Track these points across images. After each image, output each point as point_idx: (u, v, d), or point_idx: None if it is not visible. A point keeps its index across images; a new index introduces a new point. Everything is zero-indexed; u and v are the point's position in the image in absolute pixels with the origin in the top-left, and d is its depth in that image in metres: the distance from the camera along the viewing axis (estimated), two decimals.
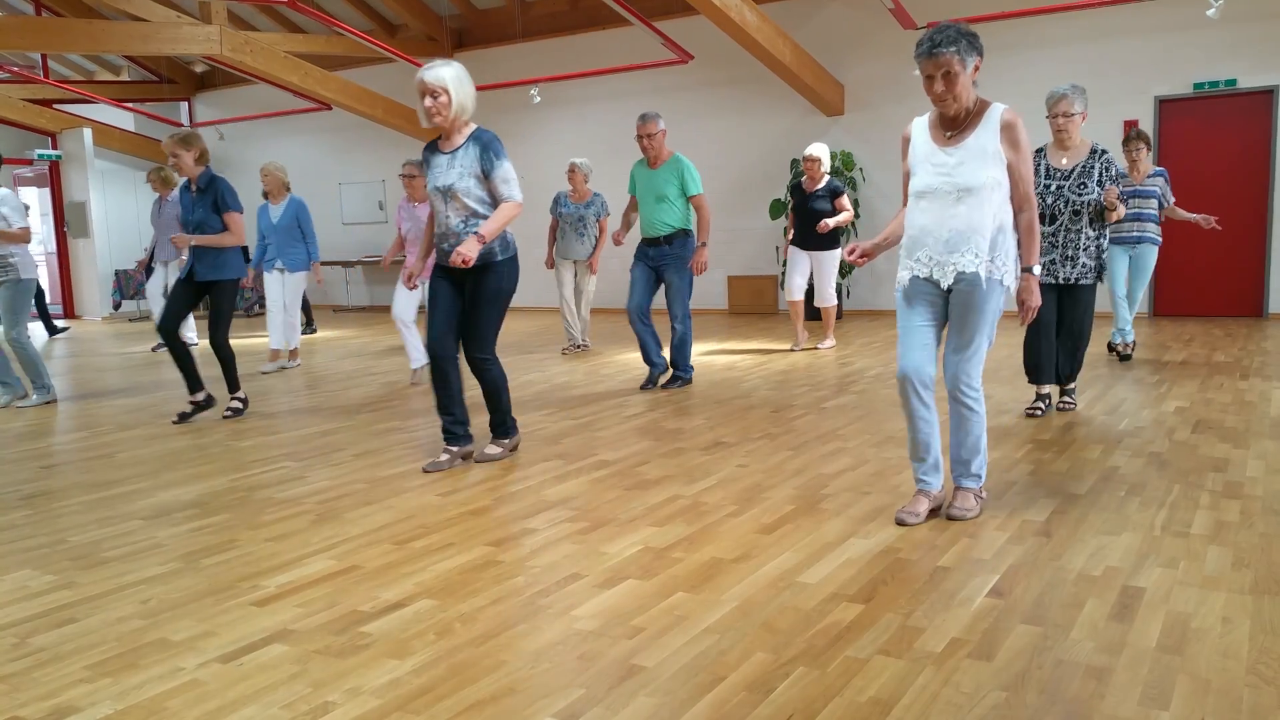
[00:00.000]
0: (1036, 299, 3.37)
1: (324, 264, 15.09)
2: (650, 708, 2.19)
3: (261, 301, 14.53)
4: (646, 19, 10.77)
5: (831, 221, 7.62)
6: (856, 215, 11.06)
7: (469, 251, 4.15)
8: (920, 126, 3.45)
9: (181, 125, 16.81)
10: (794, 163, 11.25)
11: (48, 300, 16.60)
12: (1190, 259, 9.81)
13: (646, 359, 6.48)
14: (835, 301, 8.22)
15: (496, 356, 4.57)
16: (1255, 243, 9.54)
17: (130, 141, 15.88)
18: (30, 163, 15.71)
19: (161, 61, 16.16)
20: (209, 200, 5.73)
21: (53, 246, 15.84)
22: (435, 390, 4.52)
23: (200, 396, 5.94)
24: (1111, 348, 7.12)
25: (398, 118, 13.61)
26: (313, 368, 8.33)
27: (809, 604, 2.76)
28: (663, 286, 6.46)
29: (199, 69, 16.51)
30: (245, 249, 8.20)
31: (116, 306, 15.06)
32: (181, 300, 5.80)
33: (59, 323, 13.34)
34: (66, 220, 15.43)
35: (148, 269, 9.64)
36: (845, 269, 11.23)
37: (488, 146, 4.30)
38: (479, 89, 13.22)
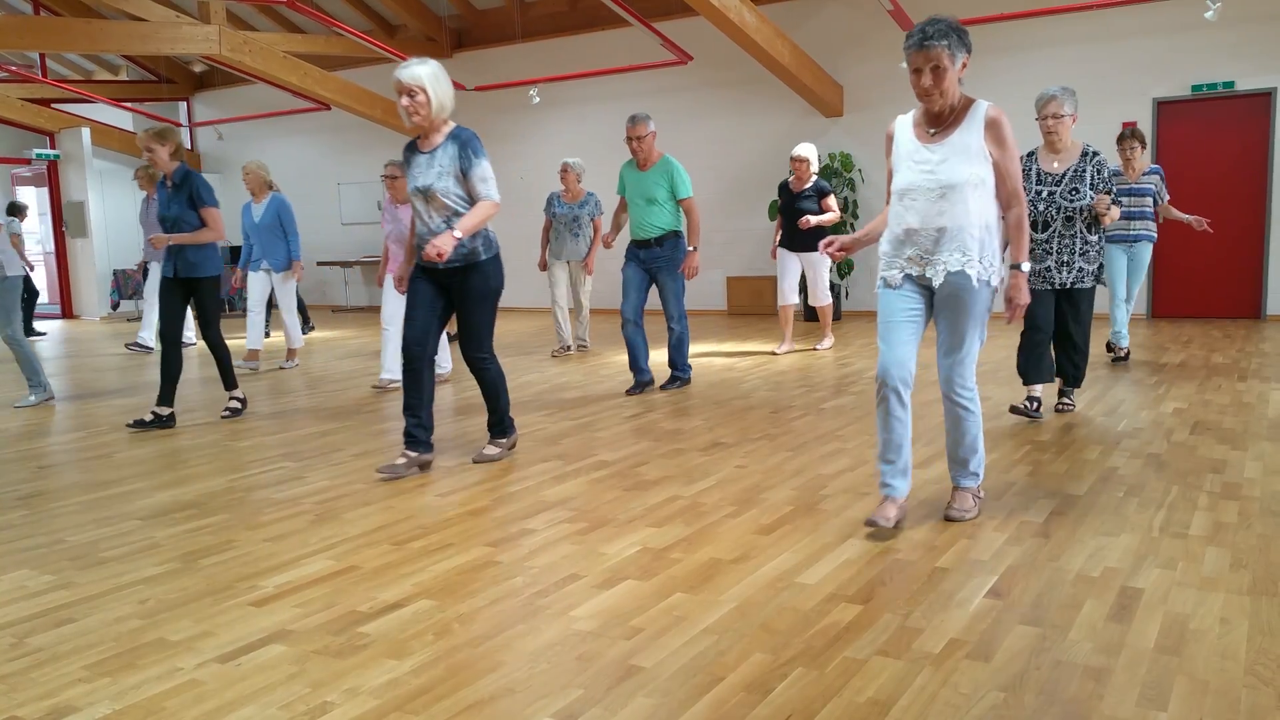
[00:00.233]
0: (1025, 297, 3.32)
1: (322, 264, 15.10)
2: (649, 708, 2.19)
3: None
4: (646, 20, 10.78)
5: (813, 219, 7.55)
6: (855, 216, 11.07)
7: (444, 246, 4.11)
8: (904, 124, 3.40)
9: (180, 125, 16.81)
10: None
11: (47, 300, 16.62)
12: (1188, 261, 9.82)
13: (633, 366, 6.41)
14: (830, 300, 8.19)
15: (494, 355, 4.55)
16: (1253, 244, 9.55)
17: (129, 141, 15.86)
18: (28, 162, 15.70)
19: (160, 61, 16.15)
20: (184, 196, 5.63)
21: (51, 246, 15.82)
22: (405, 390, 4.44)
23: (165, 412, 5.77)
24: (1110, 347, 7.11)
25: (396, 118, 13.60)
26: (311, 368, 8.33)
27: (807, 605, 2.76)
28: (656, 289, 6.46)
29: (198, 69, 16.50)
30: (234, 247, 8.15)
31: (115, 306, 15.04)
32: (174, 303, 5.70)
33: (38, 325, 13.38)
34: (65, 220, 15.41)
35: (145, 270, 9.64)
36: (844, 269, 11.24)
37: (466, 144, 4.24)
38: (478, 90, 13.28)
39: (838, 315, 11.06)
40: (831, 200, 7.79)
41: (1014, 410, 5.12)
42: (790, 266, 7.96)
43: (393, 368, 6.98)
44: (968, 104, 3.27)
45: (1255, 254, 9.55)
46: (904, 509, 3.42)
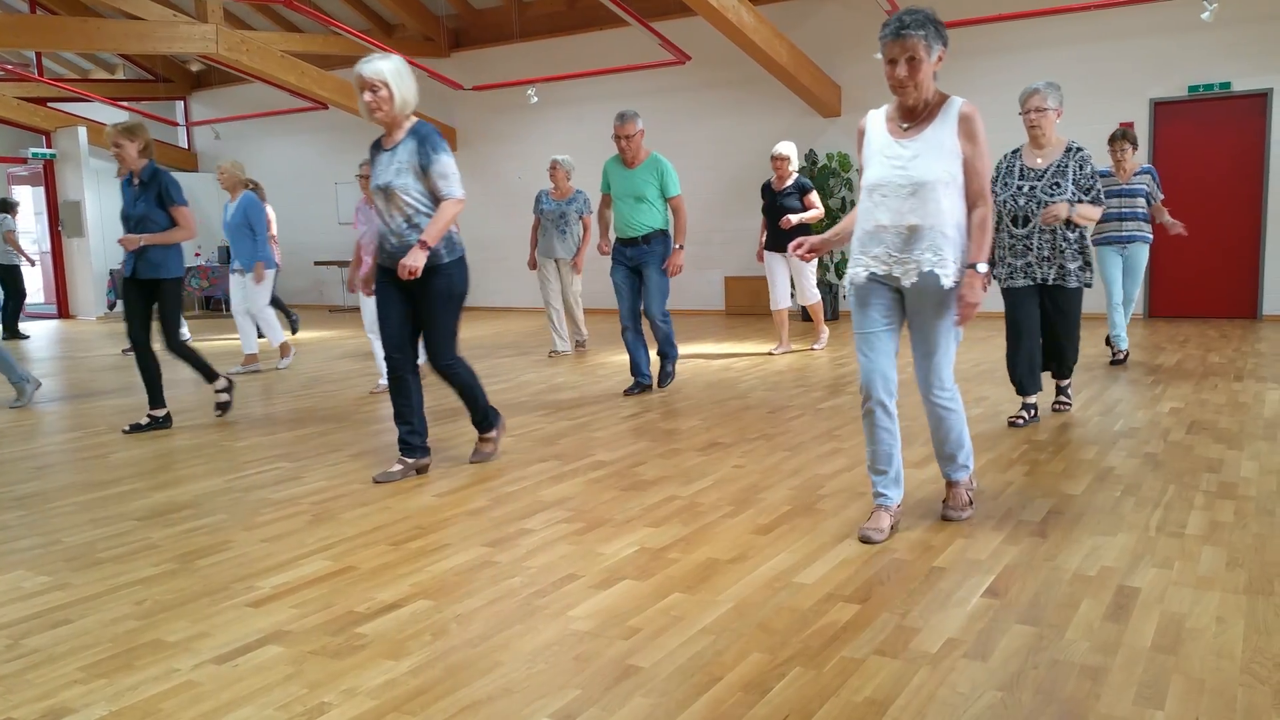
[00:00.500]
0: (977, 297, 3.15)
1: (319, 264, 15.07)
2: (646, 708, 2.19)
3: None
4: (644, 19, 10.78)
5: (794, 218, 7.50)
6: None
7: (415, 263, 4.03)
8: (877, 118, 3.30)
9: (177, 124, 16.79)
10: None
11: (43, 299, 16.59)
12: (1185, 261, 9.83)
13: (635, 370, 6.39)
14: (819, 298, 8.09)
15: (460, 358, 4.40)
16: (1249, 245, 9.57)
17: None
18: (24, 161, 15.67)
19: (157, 60, 16.13)
20: (153, 194, 5.50)
21: (47, 246, 15.79)
22: (394, 400, 4.36)
23: (160, 413, 5.73)
24: (1109, 342, 7.06)
25: None
26: (308, 368, 8.32)
27: (805, 604, 2.76)
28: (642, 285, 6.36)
29: (195, 68, 16.48)
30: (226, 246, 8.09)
31: (111, 306, 15.01)
32: (138, 305, 5.60)
33: (28, 326, 13.39)
34: (61, 219, 15.39)
35: None
36: (841, 268, 11.24)
37: (425, 140, 4.10)
38: (476, 89, 13.28)
39: (834, 314, 11.06)
40: (814, 196, 7.70)
41: (1011, 423, 5.01)
42: (779, 270, 7.89)
43: (386, 371, 6.90)
44: (942, 99, 3.19)
45: (1251, 254, 9.57)
46: (898, 514, 3.40)
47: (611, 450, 4.79)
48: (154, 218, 5.51)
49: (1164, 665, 2.32)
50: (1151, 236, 6.80)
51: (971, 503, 3.51)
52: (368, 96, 4.05)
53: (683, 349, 8.62)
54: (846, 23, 11.08)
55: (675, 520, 3.61)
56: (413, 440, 4.37)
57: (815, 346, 8.26)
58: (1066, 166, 4.82)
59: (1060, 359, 5.11)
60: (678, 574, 3.04)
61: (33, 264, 13.48)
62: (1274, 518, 3.40)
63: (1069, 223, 4.81)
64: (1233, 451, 4.34)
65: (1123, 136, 6.62)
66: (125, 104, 15.25)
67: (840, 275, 11.25)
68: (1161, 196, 6.87)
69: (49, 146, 15.36)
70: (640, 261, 6.23)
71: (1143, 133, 9.72)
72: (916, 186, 3.13)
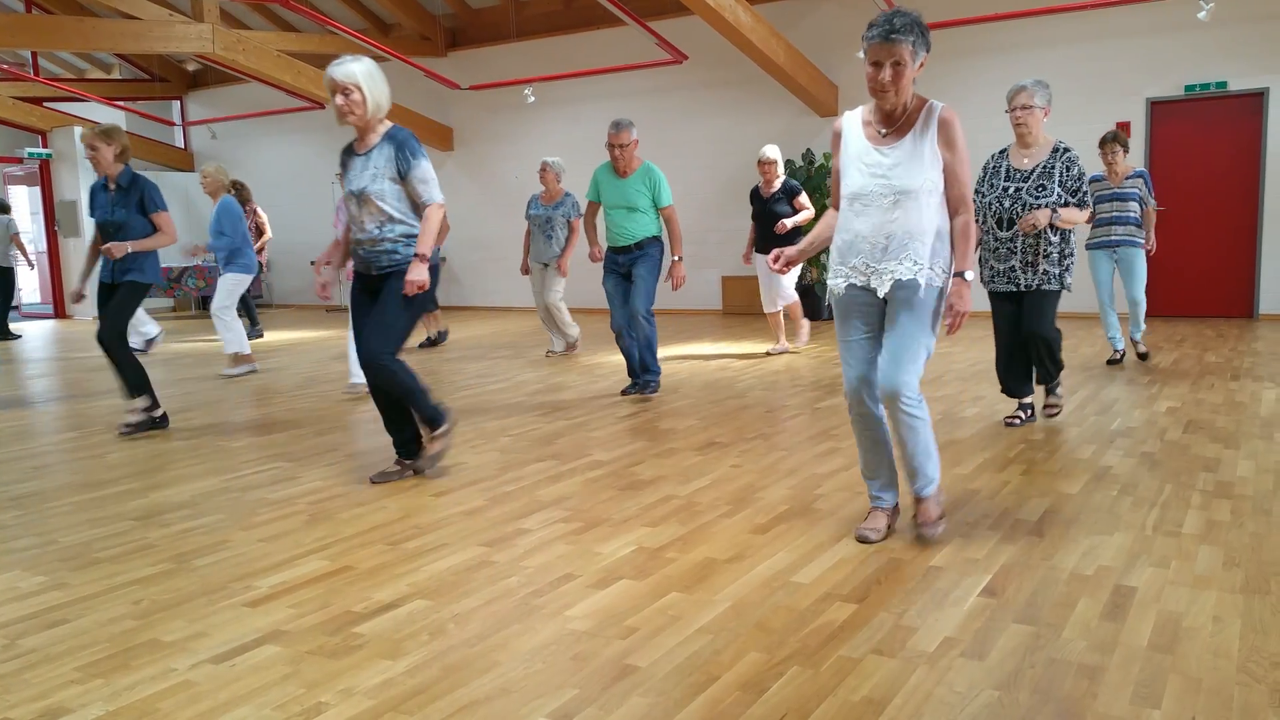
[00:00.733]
0: (966, 305, 3.10)
1: (316, 263, 15.03)
2: (644, 708, 2.19)
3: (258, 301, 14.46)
4: (641, 19, 10.78)
5: (789, 221, 7.46)
6: None
7: (421, 277, 3.99)
8: (853, 121, 3.21)
9: (173, 124, 16.76)
10: (787, 163, 11.26)
11: (39, 299, 16.56)
12: (1182, 260, 9.85)
13: (631, 373, 6.34)
14: (796, 298, 8.01)
15: (399, 360, 4.13)
16: (1246, 244, 9.59)
17: None
18: (20, 161, 15.64)
19: (153, 60, 16.10)
20: (133, 201, 5.42)
21: (43, 245, 15.77)
22: (381, 411, 4.28)
23: (156, 413, 5.66)
24: (1132, 344, 6.95)
25: (390, 117, 13.57)
26: (304, 368, 8.31)
27: (802, 604, 2.76)
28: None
29: (191, 67, 16.45)
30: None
31: None
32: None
33: (21, 326, 13.38)
34: (57, 219, 15.37)
35: None
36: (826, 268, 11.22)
37: (403, 145, 4.04)
38: (473, 89, 13.27)
39: (831, 315, 11.05)
40: (804, 198, 7.65)
41: (1008, 423, 5.00)
42: (769, 276, 7.83)
43: (357, 373, 6.68)
44: (920, 104, 3.11)
45: (1248, 253, 9.59)
46: (895, 514, 3.39)
47: (609, 450, 4.79)
48: (134, 224, 5.45)
49: (1161, 664, 2.32)
50: (1143, 243, 6.65)
51: (943, 516, 3.38)
52: (340, 100, 3.99)
53: (680, 349, 8.63)
54: (843, 22, 11.09)
55: (673, 520, 3.61)
56: (409, 445, 4.36)
57: (793, 345, 8.22)
58: (1053, 168, 4.71)
59: (1038, 363, 4.97)
60: (675, 573, 3.04)
61: (32, 266, 13.46)
62: (1270, 517, 3.40)
63: (1052, 226, 4.72)
64: (1229, 451, 4.34)
65: (1114, 139, 6.49)
66: (121, 104, 15.22)
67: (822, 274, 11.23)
68: (1154, 203, 6.71)
69: (45, 146, 15.34)
70: (632, 265, 6.16)
71: (1139, 132, 9.74)
72: (899, 196, 3.06)
